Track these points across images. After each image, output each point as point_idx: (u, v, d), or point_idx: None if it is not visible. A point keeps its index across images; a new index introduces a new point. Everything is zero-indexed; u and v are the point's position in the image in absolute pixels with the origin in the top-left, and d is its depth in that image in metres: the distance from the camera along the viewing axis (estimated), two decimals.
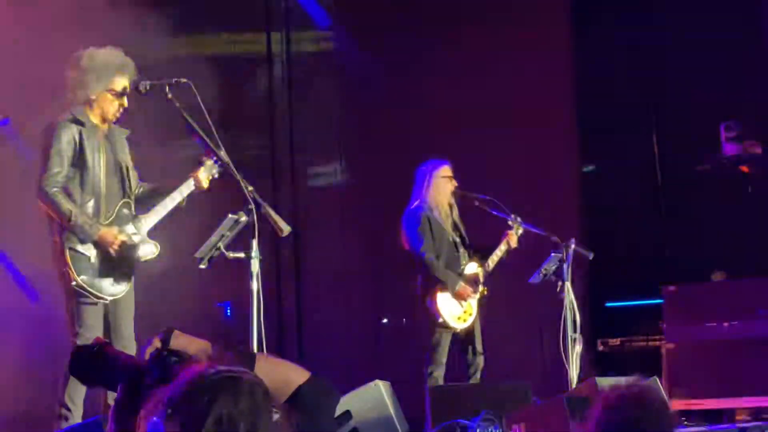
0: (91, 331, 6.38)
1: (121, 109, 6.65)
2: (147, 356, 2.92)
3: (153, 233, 6.74)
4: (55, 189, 6.43)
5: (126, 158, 6.78)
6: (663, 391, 2.95)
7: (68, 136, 6.50)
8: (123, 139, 6.82)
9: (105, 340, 3.11)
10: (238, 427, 2.44)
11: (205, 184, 6.71)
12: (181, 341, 2.97)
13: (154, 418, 2.48)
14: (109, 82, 6.61)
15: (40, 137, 6.58)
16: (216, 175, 6.66)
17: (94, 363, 3.00)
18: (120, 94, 6.62)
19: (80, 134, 6.53)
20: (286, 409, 2.96)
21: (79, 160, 6.51)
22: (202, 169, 6.69)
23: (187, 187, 6.71)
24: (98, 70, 6.62)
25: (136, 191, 6.80)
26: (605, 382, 7.85)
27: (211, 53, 10.62)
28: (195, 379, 2.50)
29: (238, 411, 2.45)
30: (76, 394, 6.33)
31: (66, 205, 6.40)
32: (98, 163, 6.56)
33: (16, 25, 9.77)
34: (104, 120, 6.68)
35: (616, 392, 3.10)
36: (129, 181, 6.75)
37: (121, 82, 6.64)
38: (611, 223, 11.48)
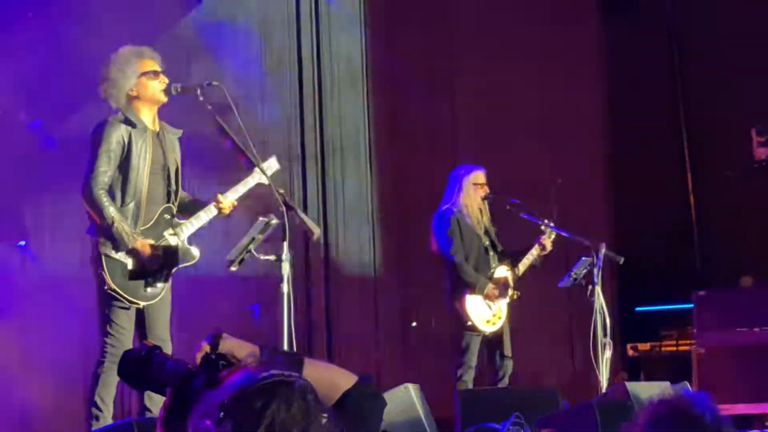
0: (123, 333, 6.41)
1: (164, 86, 6.64)
2: (197, 360, 2.93)
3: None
4: (101, 191, 6.41)
5: (175, 160, 6.77)
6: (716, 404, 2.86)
7: (117, 135, 6.49)
8: (174, 140, 6.80)
9: (155, 344, 3.11)
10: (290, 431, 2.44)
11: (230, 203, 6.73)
12: (230, 345, 2.96)
13: (206, 422, 2.48)
14: (136, 68, 6.64)
15: (90, 135, 6.58)
16: (266, 182, 6.65)
17: (143, 367, 3.01)
18: (154, 73, 6.64)
19: (129, 135, 6.52)
20: (333, 413, 2.96)
21: (124, 162, 6.51)
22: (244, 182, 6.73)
23: (234, 193, 6.73)
24: (120, 64, 6.66)
25: (180, 197, 6.80)
26: (635, 387, 7.85)
27: None
28: (247, 383, 2.50)
29: (291, 416, 2.44)
30: (107, 394, 6.35)
31: (110, 210, 6.37)
32: (143, 167, 6.54)
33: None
34: (153, 118, 6.69)
35: (666, 406, 3.02)
36: (174, 184, 6.73)
37: (147, 64, 6.66)
38: (641, 227, 11.45)
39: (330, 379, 2.87)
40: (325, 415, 2.59)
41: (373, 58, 11.17)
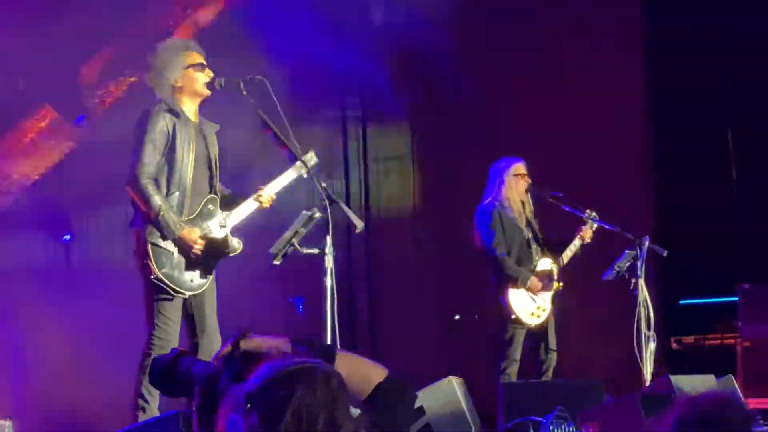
0: (169, 324, 6.44)
1: (208, 80, 6.67)
2: (222, 358, 2.95)
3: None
4: (147, 180, 6.45)
5: (215, 152, 6.81)
6: (744, 404, 2.81)
7: (162, 125, 6.52)
8: (213, 134, 6.85)
9: (182, 349, 3.13)
10: (317, 418, 2.44)
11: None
12: (256, 342, 2.98)
13: (233, 415, 2.50)
14: (182, 60, 6.68)
15: (135, 124, 6.62)
16: (304, 175, 6.67)
17: (171, 374, 3.03)
18: (200, 66, 6.68)
19: (174, 125, 6.56)
20: (365, 406, 2.96)
21: (169, 151, 6.54)
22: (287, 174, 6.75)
23: (274, 186, 6.76)
24: (166, 54, 6.71)
25: (219, 190, 6.84)
26: (680, 380, 7.81)
27: None
28: (270, 373, 2.52)
29: (316, 401, 2.45)
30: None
31: (156, 198, 6.41)
32: (187, 156, 6.57)
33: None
34: (195, 111, 6.73)
35: (695, 406, 2.98)
36: (217, 177, 6.78)
37: (193, 57, 6.71)
38: (685, 219, 11.39)
39: (362, 372, 2.88)
40: (351, 400, 2.60)
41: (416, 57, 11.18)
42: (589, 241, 8.94)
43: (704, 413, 2.93)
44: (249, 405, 2.48)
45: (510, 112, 10.67)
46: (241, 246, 6.70)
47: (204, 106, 6.83)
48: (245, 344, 2.92)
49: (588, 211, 8.97)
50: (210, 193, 6.71)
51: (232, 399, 2.54)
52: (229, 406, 2.53)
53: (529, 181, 8.98)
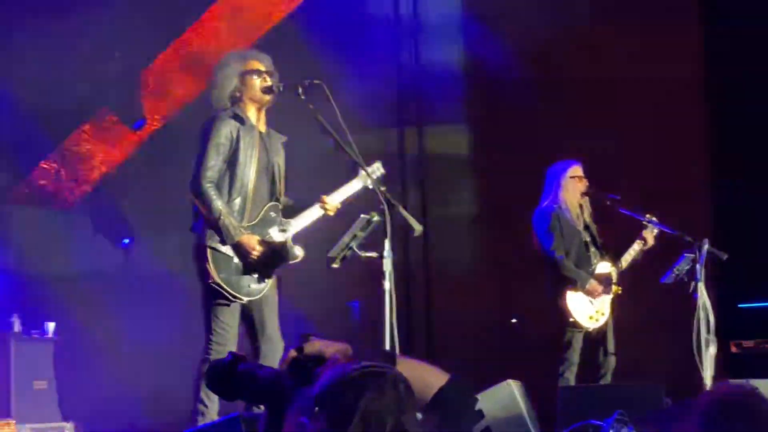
0: (227, 329, 6.48)
1: (266, 85, 6.70)
2: (286, 363, 2.97)
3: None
4: (209, 184, 6.51)
5: (280, 162, 6.84)
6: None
7: (226, 131, 6.58)
8: (279, 144, 6.88)
9: (237, 353, 3.15)
10: (384, 422, 2.45)
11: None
12: (318, 346, 2.99)
13: (301, 418, 2.51)
14: (239, 68, 6.73)
15: (200, 130, 6.67)
16: (370, 186, 6.68)
17: (228, 379, 3.05)
18: (257, 72, 6.72)
19: (238, 131, 6.60)
20: (426, 411, 2.97)
21: (232, 157, 6.59)
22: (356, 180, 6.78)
23: (339, 195, 6.79)
24: (222, 67, 6.78)
25: (283, 200, 6.86)
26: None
27: None
28: (339, 377, 2.53)
29: (384, 405, 2.46)
30: None
31: (217, 203, 6.47)
32: (250, 163, 6.62)
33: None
34: (259, 119, 6.77)
35: (720, 398, 2.96)
36: (279, 184, 6.80)
37: (252, 63, 6.77)
38: (745, 222, 11.27)
39: (422, 377, 2.87)
40: (417, 405, 2.61)
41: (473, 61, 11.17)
42: (651, 244, 8.89)
43: (729, 404, 2.92)
44: (318, 408, 2.49)
45: (566, 115, 10.61)
46: (303, 254, 6.72)
47: (273, 117, 6.88)
48: (309, 348, 2.94)
49: (648, 215, 8.92)
50: (271, 200, 6.74)
51: (300, 402, 2.55)
52: (297, 410, 2.54)
53: (587, 183, 8.95)
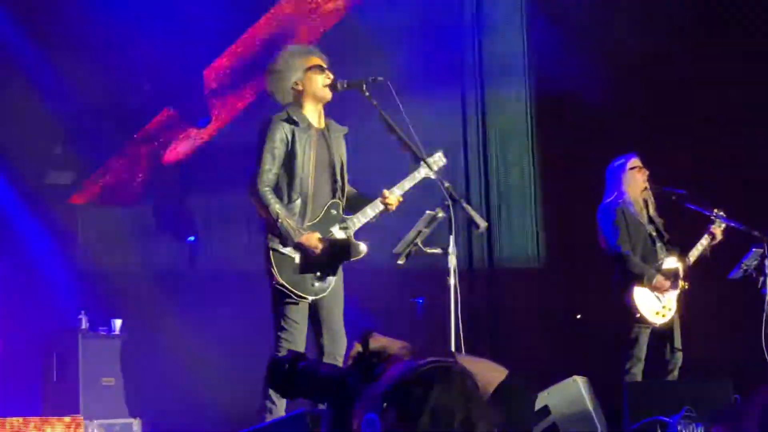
0: (296, 327, 6.50)
1: (329, 82, 6.72)
2: (349, 360, 2.97)
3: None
4: (266, 188, 6.54)
5: (341, 157, 6.84)
6: None
7: (281, 134, 6.60)
8: (340, 137, 6.88)
9: (298, 353, 3.16)
10: (453, 417, 2.46)
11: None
12: (381, 342, 3.00)
13: (370, 415, 2.51)
14: (302, 63, 6.74)
15: (256, 134, 6.71)
16: (432, 176, 6.67)
17: (289, 377, 3.05)
18: (320, 68, 6.73)
19: (293, 133, 6.61)
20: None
21: (289, 159, 6.60)
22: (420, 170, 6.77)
23: (400, 188, 6.78)
24: (286, 60, 6.78)
25: (347, 192, 6.87)
26: None
27: None
28: (407, 373, 2.53)
29: (452, 400, 2.47)
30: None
31: (275, 206, 6.49)
32: (308, 163, 6.62)
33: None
34: (319, 115, 6.78)
35: None
36: (340, 180, 6.80)
37: (313, 59, 6.76)
38: None
39: (482, 373, 2.87)
40: (485, 400, 2.61)
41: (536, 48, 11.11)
42: (720, 239, 8.81)
43: None
44: (386, 404, 2.49)
45: (632, 114, 10.53)
46: (366, 250, 6.71)
47: (332, 109, 6.89)
48: (373, 344, 2.94)
49: (715, 210, 8.84)
50: (333, 197, 6.74)
51: (367, 398, 2.56)
52: (364, 406, 2.54)
53: (647, 172, 8.90)
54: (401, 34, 10.59)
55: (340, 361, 6.40)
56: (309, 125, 6.69)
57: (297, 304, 6.52)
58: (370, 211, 6.75)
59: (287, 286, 6.49)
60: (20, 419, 8.10)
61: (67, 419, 8.38)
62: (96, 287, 10.66)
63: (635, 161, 8.91)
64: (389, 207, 6.74)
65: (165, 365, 10.56)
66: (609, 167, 9.00)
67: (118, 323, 10.06)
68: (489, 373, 3.00)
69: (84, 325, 9.91)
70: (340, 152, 6.83)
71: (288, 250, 6.52)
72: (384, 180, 6.87)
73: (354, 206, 6.82)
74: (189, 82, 10.78)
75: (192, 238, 11.75)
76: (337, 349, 6.62)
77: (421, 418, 2.44)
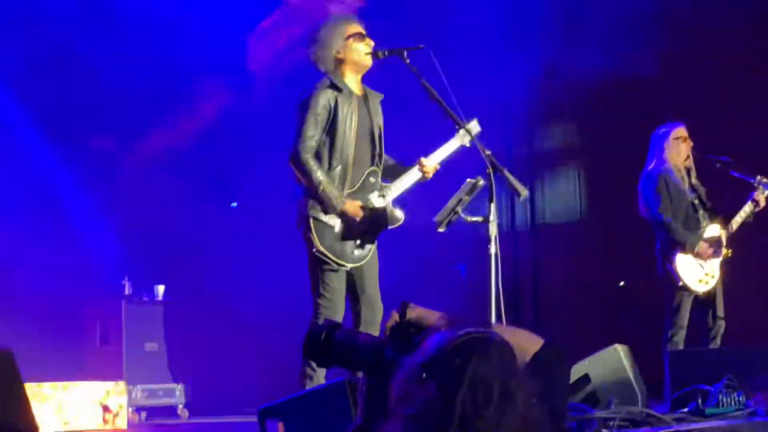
0: (334, 293, 6.52)
1: (369, 49, 6.72)
2: (387, 331, 2.97)
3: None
4: (308, 155, 6.55)
5: (379, 124, 6.84)
6: None
7: (324, 100, 6.61)
8: (377, 104, 6.89)
9: (334, 322, 3.17)
10: (492, 387, 2.46)
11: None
12: (417, 312, 3.01)
13: (409, 385, 2.52)
14: (342, 31, 6.75)
15: (297, 101, 6.72)
16: (467, 144, 6.69)
17: (326, 347, 3.06)
18: (360, 36, 6.73)
19: (336, 100, 6.63)
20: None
21: (331, 126, 6.62)
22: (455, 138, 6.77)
23: (437, 156, 6.79)
24: (328, 26, 6.80)
25: (384, 160, 6.88)
26: None
27: None
28: (445, 343, 2.54)
29: (491, 370, 2.47)
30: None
31: (317, 173, 6.51)
32: (350, 130, 6.64)
33: None
34: (358, 83, 6.79)
35: None
36: (379, 148, 6.80)
37: (353, 27, 6.77)
38: None
39: (518, 342, 2.87)
40: (523, 371, 2.61)
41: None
42: (763, 206, 8.74)
43: None
44: (425, 375, 2.50)
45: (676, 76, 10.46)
46: (403, 217, 6.74)
47: (369, 76, 6.88)
48: (410, 314, 2.95)
49: (759, 177, 8.77)
50: (372, 165, 6.76)
51: (406, 369, 2.56)
52: (403, 377, 2.55)
53: (692, 144, 8.84)
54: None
55: (377, 330, 6.43)
56: (351, 92, 6.71)
57: (336, 271, 6.54)
58: (408, 179, 6.77)
59: (327, 253, 6.51)
60: (65, 384, 8.19)
61: (110, 384, 8.46)
62: (139, 253, 10.74)
63: (680, 131, 8.85)
64: (426, 175, 6.75)
65: (207, 331, 10.64)
66: (653, 134, 8.95)
67: (161, 289, 10.14)
68: (526, 343, 3.00)
69: (128, 291, 9.99)
70: (378, 119, 6.84)
71: (328, 218, 6.54)
72: (422, 148, 6.88)
73: (391, 174, 6.84)
74: (231, 49, 10.81)
75: (235, 205, 11.81)
76: (374, 317, 6.65)
77: (461, 390, 2.45)
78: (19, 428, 4.44)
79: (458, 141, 6.77)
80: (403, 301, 3.05)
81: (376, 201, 6.71)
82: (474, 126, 6.80)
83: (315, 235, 6.50)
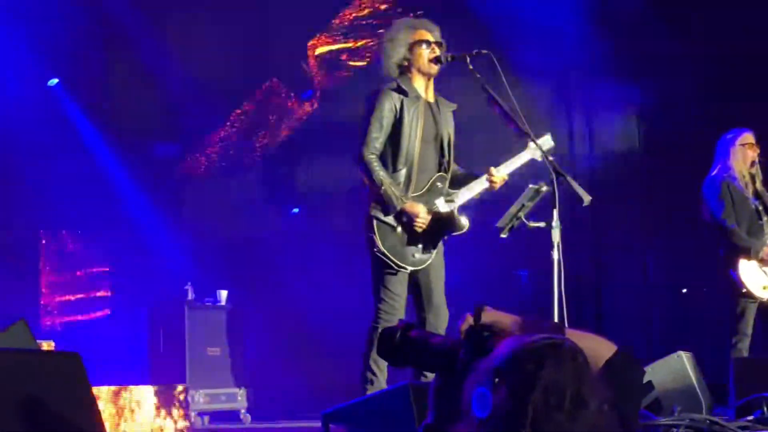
0: (395, 298, 6.53)
1: (434, 56, 6.73)
2: (461, 333, 2.98)
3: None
4: (371, 156, 6.58)
5: (448, 132, 6.85)
6: None
7: (390, 103, 6.63)
8: (449, 113, 6.89)
9: (409, 322, 3.18)
10: (564, 393, 2.46)
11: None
12: (492, 316, 3.01)
13: (481, 389, 2.53)
14: (408, 37, 6.76)
15: (364, 104, 6.75)
16: (538, 158, 6.65)
17: (400, 346, 3.07)
18: (426, 43, 6.74)
19: (401, 103, 6.64)
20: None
21: (396, 129, 6.63)
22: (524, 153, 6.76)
23: (507, 167, 6.78)
24: (391, 35, 6.82)
25: (452, 169, 6.88)
26: None
27: None
28: (518, 348, 2.54)
29: (564, 376, 2.47)
30: (381, 359, 6.45)
31: (379, 173, 6.53)
32: (415, 134, 6.65)
33: None
34: (427, 89, 6.80)
35: None
36: (447, 155, 6.81)
37: (420, 34, 6.77)
38: None
39: (591, 348, 2.86)
40: (595, 377, 2.60)
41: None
42: None
43: None
44: (498, 379, 2.50)
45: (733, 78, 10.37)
46: (469, 224, 6.73)
47: (441, 85, 6.90)
48: (485, 318, 2.95)
49: None
50: (439, 170, 6.76)
51: (479, 372, 2.57)
52: (476, 381, 2.56)
53: (758, 150, 8.77)
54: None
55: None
56: (418, 96, 6.72)
57: (396, 274, 6.55)
58: (476, 188, 6.76)
59: (387, 254, 6.52)
60: (128, 388, 8.26)
61: (173, 388, 8.52)
62: (202, 259, 10.82)
63: (747, 137, 8.77)
64: (494, 185, 6.74)
65: (270, 335, 10.69)
66: (720, 139, 8.87)
67: (224, 294, 10.20)
68: (598, 349, 2.99)
69: (190, 296, 10.06)
70: (448, 127, 6.85)
71: (390, 219, 6.55)
72: (491, 159, 6.87)
73: (459, 182, 6.83)
74: (294, 54, 10.86)
75: (296, 210, 11.86)
76: (439, 323, 6.65)
77: (533, 395, 2.45)
78: None
79: (529, 154, 6.74)
80: (477, 304, 3.06)
81: (442, 206, 6.71)
82: (547, 140, 6.78)
83: (377, 235, 6.53)
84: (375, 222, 6.56)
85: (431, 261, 6.68)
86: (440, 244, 6.77)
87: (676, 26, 10.62)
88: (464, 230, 6.74)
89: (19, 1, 10.20)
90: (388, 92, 6.66)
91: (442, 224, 6.69)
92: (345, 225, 9.81)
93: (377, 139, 6.61)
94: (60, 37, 10.32)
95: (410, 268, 6.59)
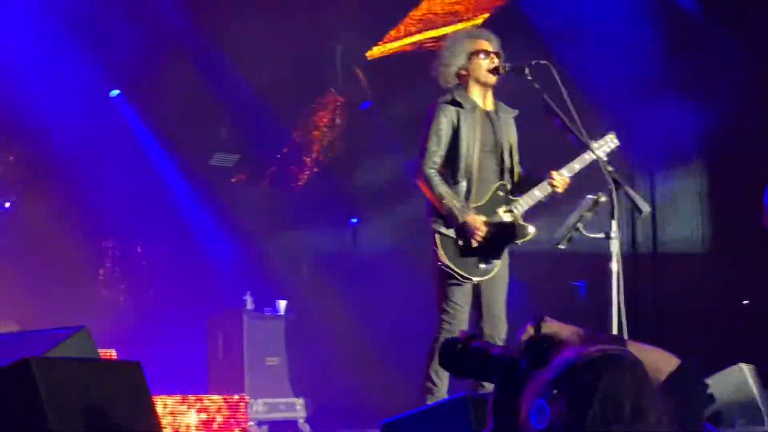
0: (458, 310, 6.52)
1: (492, 67, 6.72)
2: (522, 344, 2.98)
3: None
4: (432, 170, 6.60)
5: (509, 139, 6.84)
6: None
7: (447, 117, 6.65)
8: (509, 119, 6.90)
9: (471, 333, 3.18)
10: (623, 405, 2.45)
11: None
12: (552, 327, 3.01)
13: (539, 401, 2.53)
14: (466, 47, 6.77)
15: (423, 116, 6.77)
16: (603, 157, 6.59)
17: (462, 357, 3.08)
18: (484, 53, 6.74)
19: (458, 115, 6.66)
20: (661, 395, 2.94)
21: (454, 142, 6.64)
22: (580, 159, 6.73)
23: (569, 170, 6.75)
24: (450, 44, 6.84)
25: (516, 174, 6.88)
26: None
27: None
28: (577, 359, 2.54)
29: (623, 388, 2.47)
30: (442, 369, 6.43)
31: (440, 187, 6.54)
32: (473, 145, 6.66)
33: None
34: (485, 98, 6.80)
35: None
36: (509, 162, 6.80)
37: (478, 44, 6.78)
38: None
39: (653, 361, 2.85)
40: (655, 389, 2.59)
41: None
42: None
43: None
44: (556, 391, 2.50)
45: None
46: (534, 231, 6.69)
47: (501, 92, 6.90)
48: (546, 329, 2.95)
49: None
50: (500, 179, 6.75)
51: (537, 384, 2.57)
52: (534, 391, 2.56)
53: None
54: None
55: None
56: (474, 107, 6.72)
57: (461, 285, 6.54)
58: (538, 193, 6.72)
59: (452, 266, 6.51)
60: (190, 397, 8.31)
61: (233, 397, 8.57)
62: (261, 268, 10.87)
63: None
64: (556, 189, 6.70)
65: (328, 346, 10.71)
66: None
67: (282, 304, 10.24)
68: (660, 362, 2.98)
69: (249, 305, 10.11)
70: (509, 134, 6.83)
71: (451, 232, 6.55)
72: (552, 163, 6.84)
73: (522, 188, 6.80)
74: (351, 66, 10.89)
75: (355, 220, 11.88)
76: (497, 334, 6.63)
77: (591, 407, 2.45)
78: None
79: (590, 156, 6.71)
80: (538, 315, 3.06)
81: (505, 215, 6.70)
82: (611, 140, 6.74)
83: (440, 248, 6.53)
84: (437, 236, 6.56)
85: (496, 271, 6.66)
86: (506, 254, 6.74)
87: (740, 40, 10.53)
88: (530, 237, 6.71)
89: (81, 14, 10.31)
90: (443, 106, 6.67)
91: (505, 233, 6.66)
92: (405, 235, 9.82)
93: (436, 152, 6.63)
94: (121, 49, 10.43)
95: (476, 279, 6.58)
